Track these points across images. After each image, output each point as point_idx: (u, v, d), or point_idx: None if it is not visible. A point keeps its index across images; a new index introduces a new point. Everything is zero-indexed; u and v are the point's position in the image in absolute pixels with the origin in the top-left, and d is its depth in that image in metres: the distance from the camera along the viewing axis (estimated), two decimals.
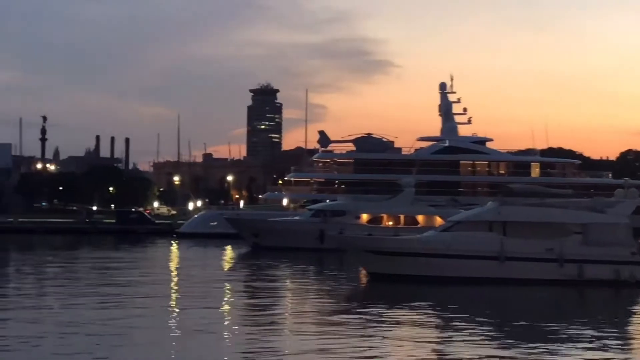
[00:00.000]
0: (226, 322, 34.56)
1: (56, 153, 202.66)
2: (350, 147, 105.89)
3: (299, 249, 75.20)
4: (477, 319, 36.15)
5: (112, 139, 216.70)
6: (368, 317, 36.06)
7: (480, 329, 33.38)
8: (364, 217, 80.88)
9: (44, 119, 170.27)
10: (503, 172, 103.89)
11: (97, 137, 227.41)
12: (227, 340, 30.07)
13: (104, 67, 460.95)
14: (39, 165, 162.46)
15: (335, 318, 35.52)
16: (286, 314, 37.70)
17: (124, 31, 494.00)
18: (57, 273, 56.70)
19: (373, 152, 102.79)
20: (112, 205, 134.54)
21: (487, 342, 30.49)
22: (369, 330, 32.17)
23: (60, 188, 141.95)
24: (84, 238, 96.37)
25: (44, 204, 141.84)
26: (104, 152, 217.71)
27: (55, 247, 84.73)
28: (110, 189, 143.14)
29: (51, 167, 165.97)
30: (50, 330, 31.02)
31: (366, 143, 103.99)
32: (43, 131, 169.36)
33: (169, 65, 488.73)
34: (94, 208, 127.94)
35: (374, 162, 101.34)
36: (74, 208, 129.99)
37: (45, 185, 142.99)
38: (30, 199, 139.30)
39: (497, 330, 33.66)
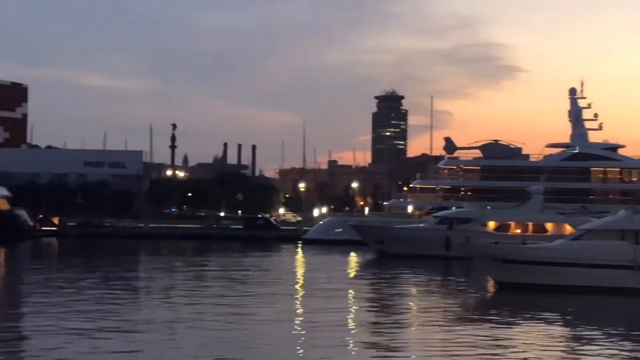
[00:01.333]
0: (351, 331, 34.34)
1: (185, 160, 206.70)
2: (477, 153, 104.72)
3: (424, 256, 74.54)
4: (609, 331, 34.93)
5: (239, 146, 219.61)
6: (495, 328, 35.27)
7: (612, 342, 32.24)
8: (491, 224, 79.56)
9: (174, 126, 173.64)
10: (635, 179, 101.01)
11: (225, 144, 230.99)
12: (352, 349, 29.83)
13: (231, 75, 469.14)
14: (169, 172, 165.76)
15: (462, 328, 34.88)
16: (411, 324, 37.23)
17: (250, 39, 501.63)
18: (186, 277, 57.66)
19: (500, 158, 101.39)
20: (239, 212, 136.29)
21: (620, 356, 29.41)
22: (497, 342, 31.44)
23: (189, 194, 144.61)
24: (211, 243, 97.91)
25: (173, 209, 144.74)
26: (231, 159, 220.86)
27: (184, 252, 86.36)
28: (238, 195, 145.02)
29: (180, 174, 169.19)
30: (180, 332, 31.46)
31: (493, 150, 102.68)
32: (173, 138, 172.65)
33: (295, 72, 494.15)
34: (222, 214, 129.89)
35: (502, 169, 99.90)
36: (202, 214, 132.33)
37: (175, 192, 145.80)
38: (160, 204, 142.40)
39: (631, 343, 32.44)
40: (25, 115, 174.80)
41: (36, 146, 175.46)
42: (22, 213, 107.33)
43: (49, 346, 28.18)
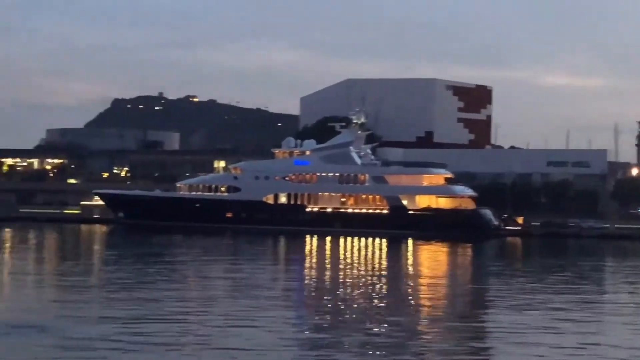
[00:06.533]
0: None
1: None
2: None
3: None
4: None
5: None
6: None
7: None
8: None
9: None
10: None
11: None
12: None
13: None
14: (634, 171, 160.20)
15: None
16: None
17: None
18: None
19: None
20: None
21: None
22: None
23: None
24: None
25: None
26: None
27: None
28: None
29: None
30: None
31: None
32: (638, 136, 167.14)
33: None
34: None
35: None
36: None
37: None
38: (626, 205, 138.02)
39: None
40: (489, 117, 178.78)
41: (500, 147, 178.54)
42: (487, 212, 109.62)
43: None
